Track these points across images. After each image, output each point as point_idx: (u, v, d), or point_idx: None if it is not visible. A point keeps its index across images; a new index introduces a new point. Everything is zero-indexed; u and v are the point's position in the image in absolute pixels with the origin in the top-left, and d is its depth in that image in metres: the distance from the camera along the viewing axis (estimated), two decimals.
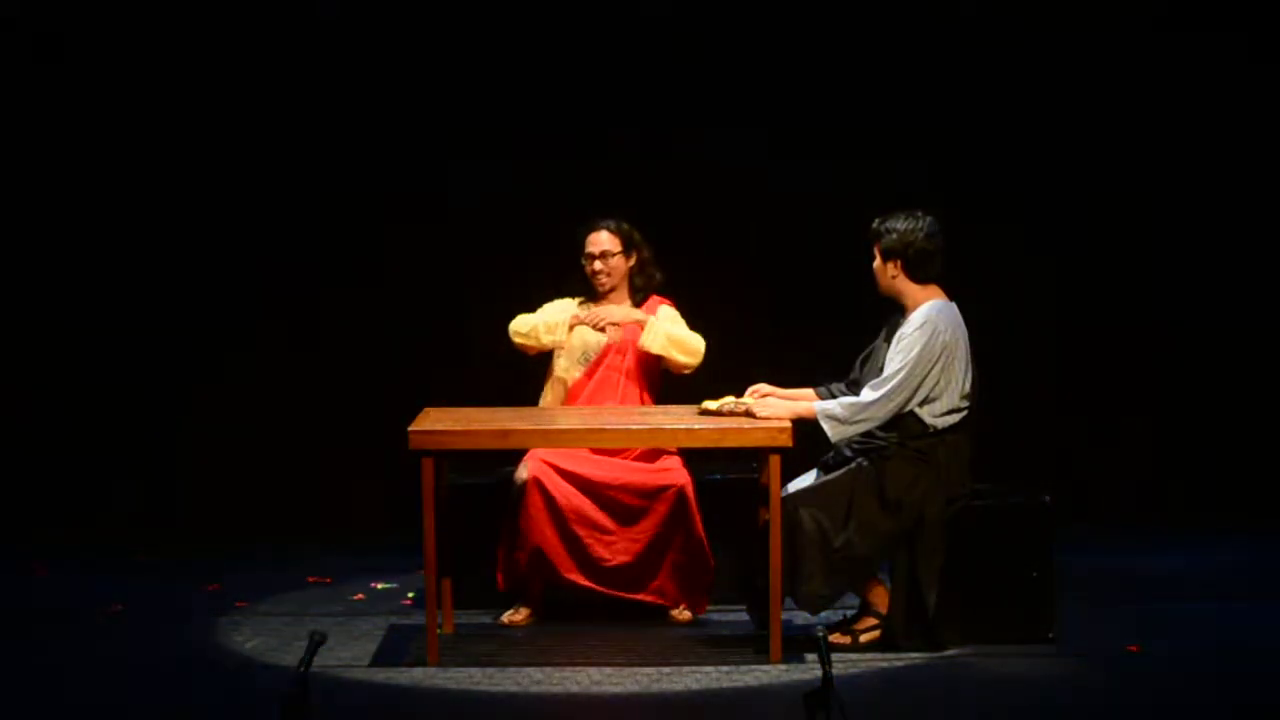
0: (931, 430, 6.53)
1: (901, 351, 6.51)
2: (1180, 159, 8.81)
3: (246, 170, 8.77)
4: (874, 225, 6.64)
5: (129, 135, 8.74)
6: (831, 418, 6.51)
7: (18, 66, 8.66)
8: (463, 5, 8.74)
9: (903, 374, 6.48)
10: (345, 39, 8.75)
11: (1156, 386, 8.98)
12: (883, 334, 6.72)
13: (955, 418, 6.55)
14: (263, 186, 8.80)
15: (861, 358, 6.77)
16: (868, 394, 6.53)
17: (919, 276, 6.59)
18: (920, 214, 6.60)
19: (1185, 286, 8.92)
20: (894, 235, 6.57)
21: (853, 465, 6.58)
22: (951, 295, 6.64)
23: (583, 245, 7.21)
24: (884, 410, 6.50)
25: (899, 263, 6.58)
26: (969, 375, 6.59)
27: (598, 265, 7.17)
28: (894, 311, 6.68)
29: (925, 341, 6.49)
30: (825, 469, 6.71)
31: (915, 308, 6.58)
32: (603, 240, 7.19)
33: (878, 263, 6.62)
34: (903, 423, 6.53)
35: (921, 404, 6.52)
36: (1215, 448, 8.92)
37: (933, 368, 6.50)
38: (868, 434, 6.56)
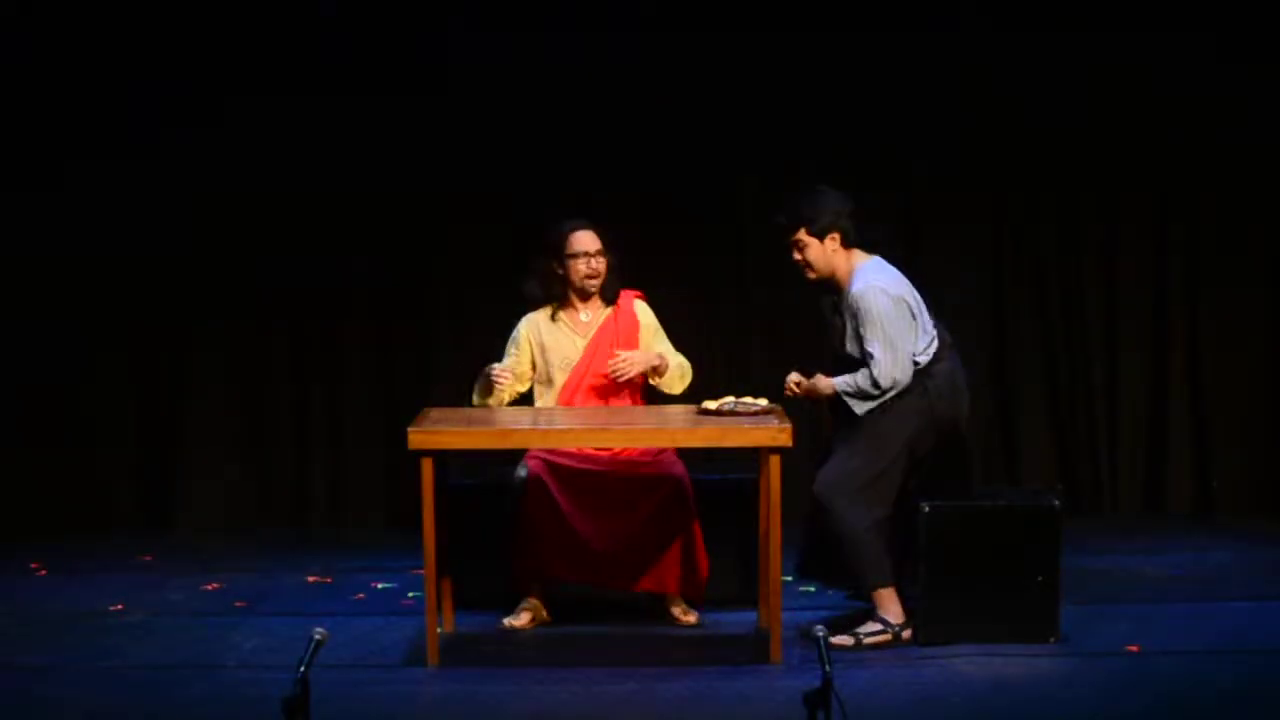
0: (921, 369, 6.55)
1: (871, 325, 6.50)
2: None
3: (241, 170, 8.77)
4: (786, 220, 6.61)
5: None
6: (851, 394, 6.54)
7: None
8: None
9: (886, 341, 6.47)
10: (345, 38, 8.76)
11: (1156, 384, 8.99)
12: (832, 320, 6.72)
13: (931, 350, 6.55)
14: (263, 186, 8.79)
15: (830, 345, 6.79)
16: (870, 373, 6.52)
17: (850, 242, 6.61)
18: (820, 187, 6.63)
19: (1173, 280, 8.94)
20: (824, 213, 6.57)
21: (855, 436, 6.58)
22: (871, 251, 6.67)
23: (562, 246, 7.04)
24: (893, 381, 6.49)
25: (837, 235, 6.58)
26: (923, 308, 6.59)
27: (594, 264, 7.04)
28: (824, 293, 6.69)
29: (884, 304, 6.49)
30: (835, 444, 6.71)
31: (848, 278, 6.60)
32: (592, 240, 7.05)
33: (813, 247, 6.59)
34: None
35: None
36: (1216, 447, 8.93)
37: (905, 317, 6.50)
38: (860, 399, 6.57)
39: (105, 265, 8.78)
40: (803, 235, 6.59)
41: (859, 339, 6.55)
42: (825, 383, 6.61)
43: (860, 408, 6.54)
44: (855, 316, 6.55)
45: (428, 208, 8.84)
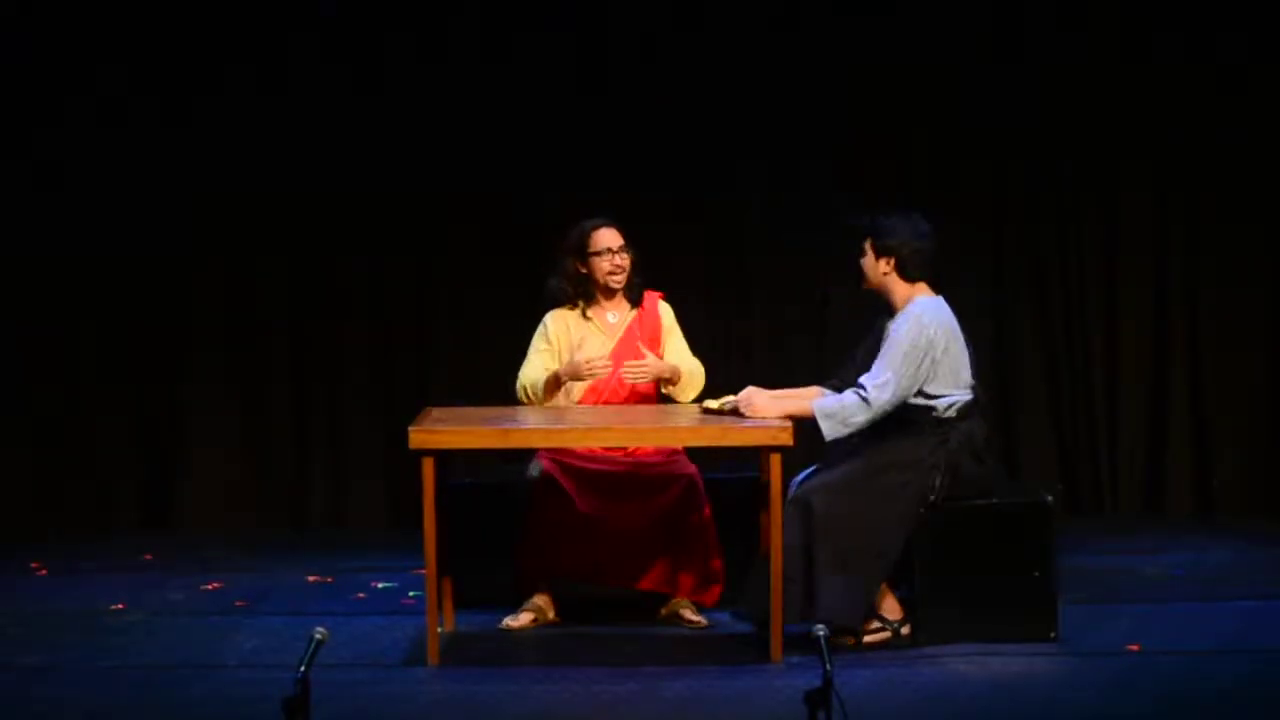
0: (944, 420, 6.51)
1: (890, 349, 6.48)
2: None
3: (241, 170, 8.77)
4: (866, 221, 6.64)
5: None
6: (828, 416, 6.48)
7: None
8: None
9: (892, 371, 6.44)
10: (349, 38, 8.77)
11: (1156, 385, 8.99)
12: (873, 334, 6.69)
13: (959, 406, 6.52)
14: (263, 186, 8.80)
15: (859, 353, 6.73)
16: (860, 393, 6.48)
17: (910, 275, 6.59)
18: (914, 214, 6.62)
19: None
20: (892, 234, 6.57)
21: (866, 471, 6.53)
22: (938, 290, 6.63)
23: (585, 244, 7.03)
24: (877, 409, 6.45)
25: (893, 261, 6.58)
26: (966, 364, 6.57)
27: (617, 260, 7.01)
28: (881, 311, 6.67)
29: (913, 339, 6.46)
30: (833, 465, 6.66)
31: (902, 305, 6.57)
32: (616, 237, 7.03)
33: (869, 259, 6.62)
34: (914, 421, 6.50)
35: (927, 397, 6.49)
36: (1216, 447, 8.93)
37: (923, 363, 6.46)
38: (883, 435, 6.51)
39: (105, 265, 8.78)
40: (866, 244, 6.63)
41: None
42: (780, 406, 6.54)
43: (831, 430, 6.46)
44: (889, 337, 6.53)
45: (428, 208, 8.85)
